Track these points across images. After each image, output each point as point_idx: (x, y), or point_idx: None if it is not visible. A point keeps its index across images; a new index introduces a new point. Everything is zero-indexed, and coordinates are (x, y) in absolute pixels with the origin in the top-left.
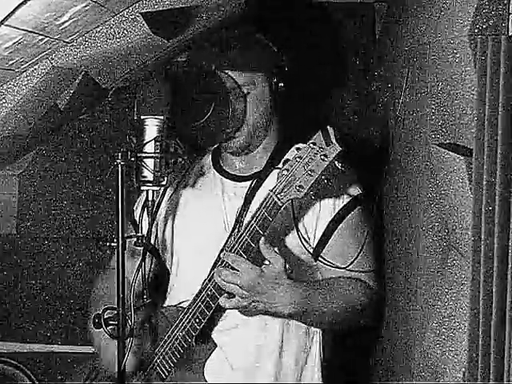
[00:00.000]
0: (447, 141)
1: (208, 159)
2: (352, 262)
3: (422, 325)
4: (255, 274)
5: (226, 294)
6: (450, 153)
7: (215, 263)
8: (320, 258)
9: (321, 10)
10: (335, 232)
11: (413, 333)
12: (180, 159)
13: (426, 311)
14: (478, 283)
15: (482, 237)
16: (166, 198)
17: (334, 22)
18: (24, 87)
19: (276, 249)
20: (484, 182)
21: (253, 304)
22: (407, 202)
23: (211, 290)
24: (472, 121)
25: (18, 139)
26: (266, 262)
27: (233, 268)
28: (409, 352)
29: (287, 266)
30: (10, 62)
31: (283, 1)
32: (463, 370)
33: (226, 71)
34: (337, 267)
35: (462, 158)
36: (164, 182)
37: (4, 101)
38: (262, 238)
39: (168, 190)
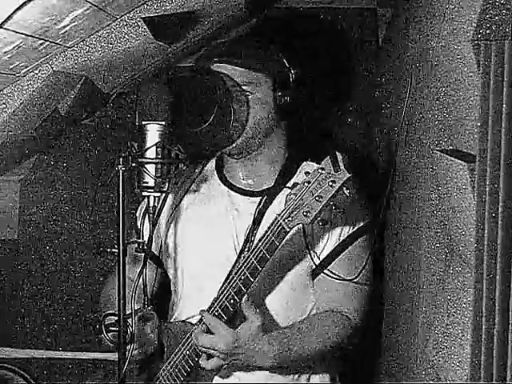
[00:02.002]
0: (450, 147)
1: (211, 165)
2: (358, 275)
3: (425, 332)
4: (231, 338)
5: (204, 355)
6: (453, 159)
7: (224, 283)
8: (326, 271)
9: (328, 22)
10: (338, 258)
11: (415, 340)
12: (182, 165)
13: (428, 319)
14: (480, 291)
15: (485, 244)
16: (168, 204)
17: (341, 34)
18: (24, 92)
19: (256, 309)
20: (487, 189)
21: (232, 363)
22: (409, 208)
23: (218, 311)
24: (475, 127)
25: (18, 144)
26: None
27: (210, 331)
28: (411, 360)
29: (264, 321)
30: (11, 67)
31: (290, 13)
32: (466, 377)
33: (226, 72)
34: (344, 279)
35: (464, 164)
36: (165, 188)
37: (4, 105)
38: (245, 296)
39: (170, 196)
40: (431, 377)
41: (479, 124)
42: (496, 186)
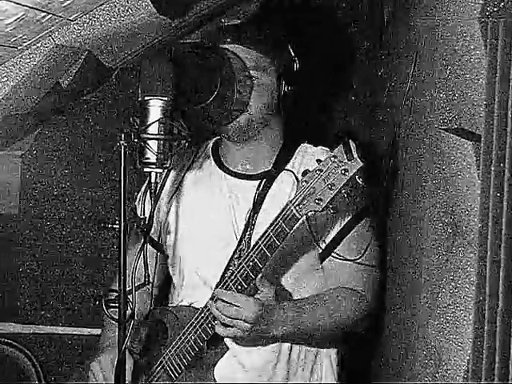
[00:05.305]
0: (455, 126)
1: (211, 145)
2: (363, 255)
3: (427, 313)
4: (257, 306)
5: (219, 322)
6: (458, 138)
7: (226, 268)
8: (333, 253)
9: (330, 13)
10: (344, 240)
11: (417, 321)
12: (184, 141)
13: (430, 299)
14: (484, 271)
15: (489, 224)
16: (170, 180)
17: (343, 25)
18: (26, 65)
19: (269, 282)
20: (492, 169)
21: (252, 333)
22: (413, 188)
23: None
24: (481, 106)
25: (20, 118)
26: (259, 292)
27: (232, 304)
28: (413, 340)
29: (276, 290)
30: (13, 39)
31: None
32: (468, 358)
33: (235, 52)
34: (351, 260)
35: (470, 143)
36: (167, 165)
37: (6, 79)
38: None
39: (172, 172)
40: (433, 358)
41: (485, 103)
42: (501, 165)
